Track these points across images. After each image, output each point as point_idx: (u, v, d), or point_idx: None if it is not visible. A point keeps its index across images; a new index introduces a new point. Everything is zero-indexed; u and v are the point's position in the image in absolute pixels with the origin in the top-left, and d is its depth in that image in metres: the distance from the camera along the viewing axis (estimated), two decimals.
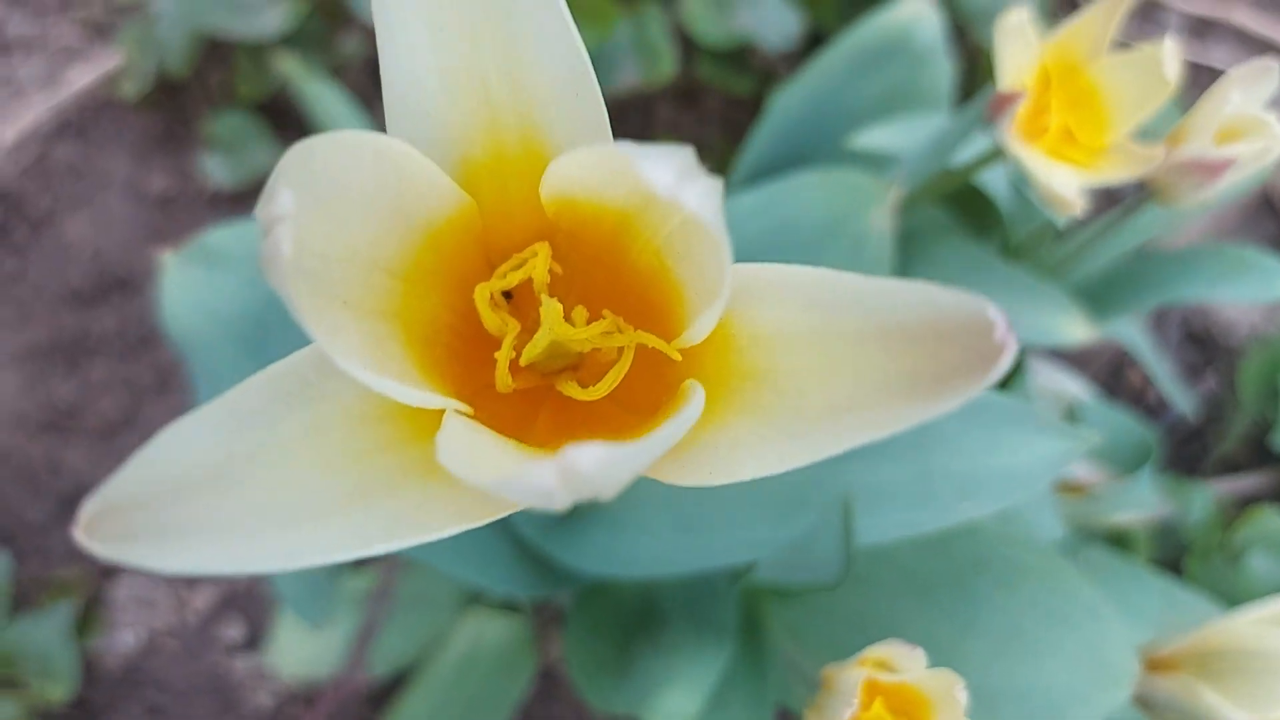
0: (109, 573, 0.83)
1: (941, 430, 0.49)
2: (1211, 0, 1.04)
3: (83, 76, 0.94)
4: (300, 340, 0.24)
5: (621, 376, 0.26)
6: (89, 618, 0.81)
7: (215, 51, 0.96)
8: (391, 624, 0.83)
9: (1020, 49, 0.50)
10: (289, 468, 0.23)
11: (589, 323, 0.27)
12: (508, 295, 0.28)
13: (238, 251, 0.53)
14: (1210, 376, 0.91)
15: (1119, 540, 0.79)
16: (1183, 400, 0.85)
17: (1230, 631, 0.49)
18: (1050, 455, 0.48)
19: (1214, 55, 1.01)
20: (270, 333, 0.51)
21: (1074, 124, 0.51)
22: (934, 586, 0.57)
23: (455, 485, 0.25)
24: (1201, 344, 0.94)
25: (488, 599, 0.80)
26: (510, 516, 0.62)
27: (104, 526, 0.20)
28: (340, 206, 0.23)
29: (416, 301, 0.25)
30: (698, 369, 0.26)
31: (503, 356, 0.26)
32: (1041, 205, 0.48)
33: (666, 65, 0.86)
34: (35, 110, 0.92)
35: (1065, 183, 0.48)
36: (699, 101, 0.97)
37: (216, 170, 0.92)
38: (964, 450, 0.49)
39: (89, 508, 0.19)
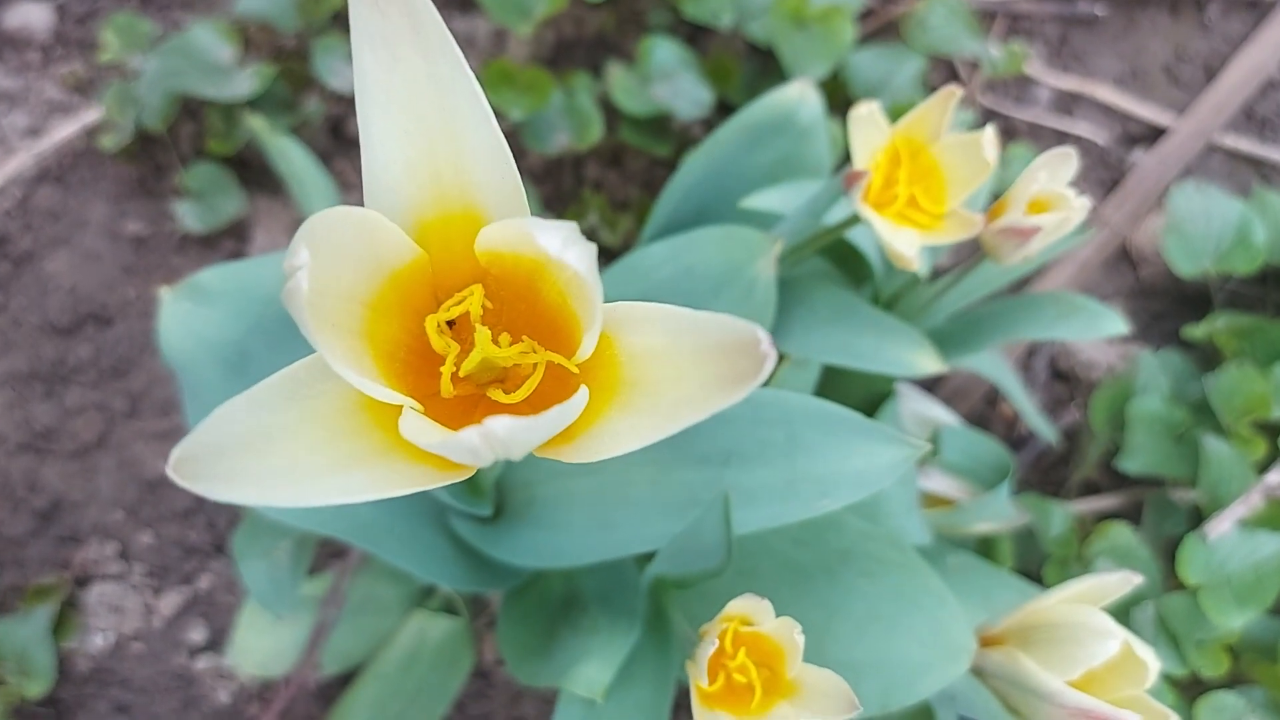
0: (82, 581, 0.90)
1: (806, 440, 0.57)
2: (1078, 77, 1.15)
3: (64, 128, 0.99)
4: (275, 363, 0.34)
5: (536, 386, 0.35)
6: (63, 621, 0.86)
7: (188, 108, 1.01)
8: (342, 626, 0.88)
9: (870, 134, 0.58)
10: (293, 443, 0.32)
11: (511, 344, 0.35)
12: (451, 323, 0.37)
13: (223, 288, 0.58)
14: (1074, 409, 1.01)
15: (986, 550, 0.89)
16: (1046, 430, 0.96)
17: (1042, 609, 0.55)
18: (892, 461, 0.55)
19: (1080, 126, 1.13)
20: (250, 357, 0.58)
21: (919, 194, 0.60)
22: (808, 576, 0.63)
23: (407, 461, 0.34)
24: (1066, 381, 1.03)
25: (430, 602, 0.87)
26: (452, 522, 0.71)
27: (181, 469, 0.29)
28: (334, 259, 0.32)
29: (382, 325, 0.35)
30: (591, 379, 0.35)
31: (446, 370, 0.34)
32: (887, 258, 0.59)
33: (594, 131, 0.95)
34: (19, 158, 0.97)
35: (906, 242, 0.58)
36: (624, 161, 1.04)
37: (188, 216, 0.97)
38: (823, 457, 0.55)
39: (175, 454, 0.28)
